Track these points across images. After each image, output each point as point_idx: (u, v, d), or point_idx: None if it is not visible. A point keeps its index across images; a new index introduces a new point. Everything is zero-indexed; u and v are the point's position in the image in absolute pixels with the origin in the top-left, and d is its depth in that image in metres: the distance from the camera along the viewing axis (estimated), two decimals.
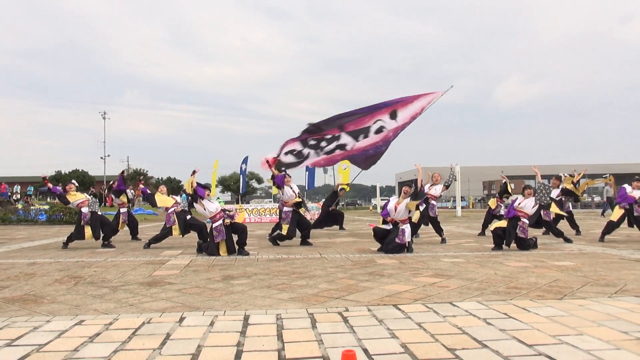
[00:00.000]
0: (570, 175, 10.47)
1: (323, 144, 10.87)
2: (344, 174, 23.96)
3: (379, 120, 10.91)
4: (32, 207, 22.50)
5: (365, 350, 2.85)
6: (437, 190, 10.16)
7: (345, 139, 10.87)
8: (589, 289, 4.68)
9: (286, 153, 10.67)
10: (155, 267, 6.55)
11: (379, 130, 10.87)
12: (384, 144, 10.94)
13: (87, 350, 2.92)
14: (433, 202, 10.06)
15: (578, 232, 11.38)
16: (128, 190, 11.41)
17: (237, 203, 32.56)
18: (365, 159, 11.18)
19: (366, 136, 10.93)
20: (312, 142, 10.83)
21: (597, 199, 48.30)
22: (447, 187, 10.40)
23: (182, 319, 3.62)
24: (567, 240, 9.42)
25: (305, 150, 10.82)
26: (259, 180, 74.14)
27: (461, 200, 30.14)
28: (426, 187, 9.84)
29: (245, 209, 22.69)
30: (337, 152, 10.91)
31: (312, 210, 19.94)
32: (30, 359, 2.78)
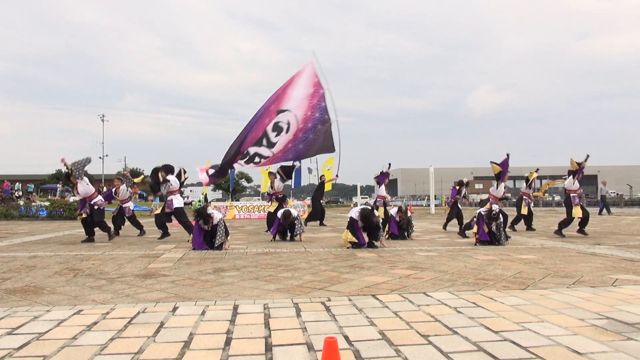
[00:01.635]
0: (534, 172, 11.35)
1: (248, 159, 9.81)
2: (327, 174, 23.98)
3: (270, 122, 9.68)
4: (33, 204, 22.09)
5: (346, 337, 2.85)
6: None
7: (261, 151, 9.73)
8: (550, 280, 4.76)
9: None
10: (150, 260, 6.47)
11: (279, 129, 9.65)
12: (303, 136, 9.80)
13: (85, 338, 2.88)
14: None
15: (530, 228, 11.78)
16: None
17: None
18: (300, 151, 10.04)
19: (270, 143, 9.70)
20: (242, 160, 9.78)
21: (557, 198, 49.11)
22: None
23: (175, 309, 3.59)
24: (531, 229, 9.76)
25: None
26: (248, 180, 73.86)
27: (434, 199, 30.36)
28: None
29: (235, 206, 22.56)
30: (264, 160, 9.90)
31: (298, 207, 19.92)
32: (31, 346, 2.72)
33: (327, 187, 23.65)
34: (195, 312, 3.49)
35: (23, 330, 3.05)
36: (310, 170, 28.10)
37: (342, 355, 2.40)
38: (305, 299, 3.90)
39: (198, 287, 4.49)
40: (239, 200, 35.13)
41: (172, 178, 9.56)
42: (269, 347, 2.68)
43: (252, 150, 9.60)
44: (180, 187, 10.00)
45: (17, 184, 37.57)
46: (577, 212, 9.61)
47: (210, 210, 7.76)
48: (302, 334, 2.92)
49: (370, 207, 8.02)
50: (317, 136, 9.83)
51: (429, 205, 31.60)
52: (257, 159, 9.79)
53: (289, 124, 9.68)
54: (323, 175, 15.35)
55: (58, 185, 41.68)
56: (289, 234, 9.42)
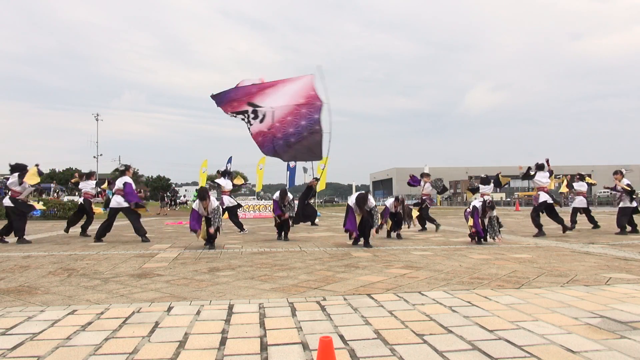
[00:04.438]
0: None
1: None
2: (322, 173, 23.97)
3: (243, 108, 9.57)
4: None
5: (342, 337, 2.85)
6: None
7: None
8: (544, 279, 4.78)
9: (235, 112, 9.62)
10: (145, 259, 6.45)
11: (255, 115, 9.51)
12: (282, 137, 9.51)
13: (79, 338, 2.86)
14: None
15: (573, 226, 11.37)
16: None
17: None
18: (273, 149, 9.81)
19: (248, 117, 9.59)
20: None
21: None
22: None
23: (170, 309, 3.58)
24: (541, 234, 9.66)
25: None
26: (244, 179, 73.83)
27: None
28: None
29: None
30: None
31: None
32: (25, 347, 2.71)
33: (321, 186, 23.63)
34: (190, 311, 3.48)
35: (17, 330, 3.03)
36: (305, 170, 28.09)
37: (337, 354, 2.40)
38: (300, 299, 3.90)
39: (193, 286, 4.48)
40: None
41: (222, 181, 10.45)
42: (264, 347, 2.67)
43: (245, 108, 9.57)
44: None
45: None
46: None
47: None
48: (297, 334, 2.92)
49: (365, 192, 8.09)
50: (300, 143, 9.73)
51: None
52: (249, 120, 9.71)
53: (264, 116, 9.63)
54: (316, 178, 15.19)
55: (52, 184, 41.44)
56: (283, 233, 9.43)
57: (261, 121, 9.42)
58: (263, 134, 9.49)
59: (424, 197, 11.98)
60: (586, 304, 3.64)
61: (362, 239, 8.08)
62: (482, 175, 12.70)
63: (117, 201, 9.17)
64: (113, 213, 9.26)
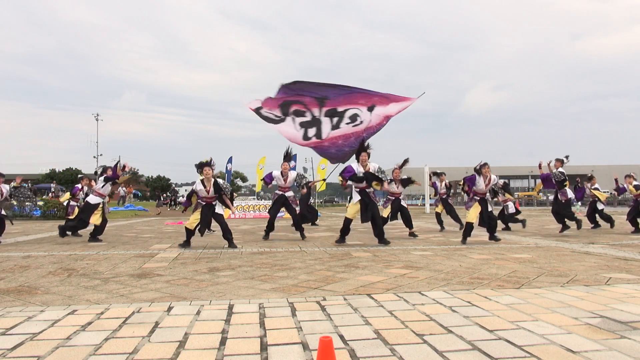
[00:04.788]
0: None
1: (301, 119, 9.58)
2: (322, 173, 23.99)
3: (355, 108, 9.57)
4: (26, 203, 21.93)
5: (342, 337, 2.85)
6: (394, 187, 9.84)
7: (324, 122, 9.51)
8: (544, 279, 4.78)
9: (266, 111, 9.67)
10: (145, 259, 6.45)
11: (353, 119, 9.50)
12: (356, 141, 9.50)
13: (79, 338, 2.86)
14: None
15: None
16: (120, 188, 11.26)
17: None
18: (338, 154, 9.89)
19: (338, 125, 9.53)
20: (292, 111, 9.60)
21: (550, 197, 49.35)
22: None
23: (170, 309, 3.58)
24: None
25: (285, 117, 9.66)
26: (244, 179, 73.82)
27: (429, 198, 30.44)
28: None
29: None
30: (314, 139, 9.65)
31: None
32: (24, 347, 2.71)
33: (321, 186, 23.66)
34: (190, 311, 3.48)
35: (17, 330, 3.03)
36: (305, 170, 28.09)
37: (337, 354, 2.40)
38: (300, 299, 3.90)
39: (193, 286, 4.48)
40: (234, 200, 35.10)
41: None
42: (264, 347, 2.67)
43: (321, 118, 9.44)
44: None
45: (12, 183, 37.33)
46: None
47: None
48: (297, 334, 2.91)
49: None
50: (352, 147, 9.57)
51: (423, 205, 31.66)
52: (310, 134, 9.56)
53: (360, 122, 9.58)
54: (309, 182, 15.20)
55: (52, 184, 41.45)
56: (300, 233, 9.51)
57: (354, 126, 9.46)
58: (343, 138, 9.51)
59: (443, 197, 12.00)
60: (586, 304, 3.64)
61: (345, 238, 8.44)
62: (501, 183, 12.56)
63: (87, 199, 9.34)
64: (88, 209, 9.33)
